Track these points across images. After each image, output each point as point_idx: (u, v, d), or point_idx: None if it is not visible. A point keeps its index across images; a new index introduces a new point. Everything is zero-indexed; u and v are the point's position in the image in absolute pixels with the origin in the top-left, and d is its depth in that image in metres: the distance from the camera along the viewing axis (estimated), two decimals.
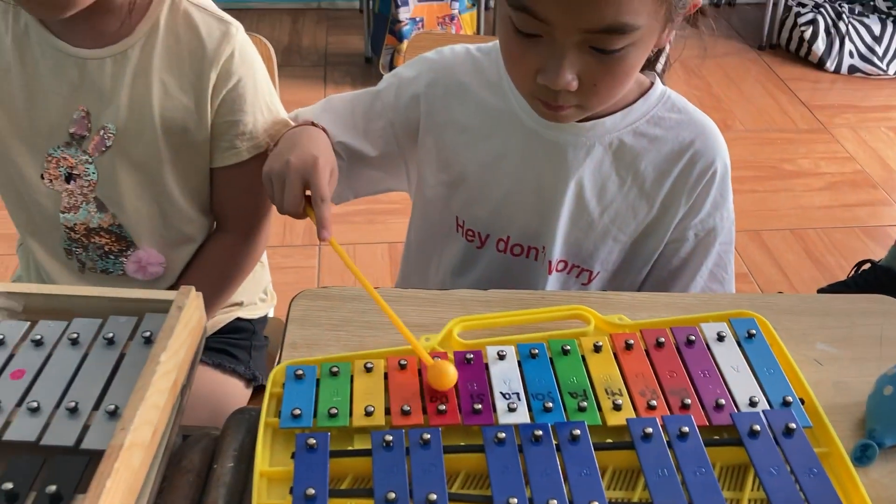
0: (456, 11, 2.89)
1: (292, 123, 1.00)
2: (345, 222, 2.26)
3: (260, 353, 1.15)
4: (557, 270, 0.95)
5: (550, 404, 0.65)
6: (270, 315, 1.22)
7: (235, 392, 1.08)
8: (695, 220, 0.92)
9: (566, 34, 0.72)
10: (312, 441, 0.61)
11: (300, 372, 0.68)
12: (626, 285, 0.96)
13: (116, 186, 0.97)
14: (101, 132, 0.94)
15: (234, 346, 1.10)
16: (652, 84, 0.89)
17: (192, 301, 0.70)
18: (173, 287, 1.04)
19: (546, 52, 0.74)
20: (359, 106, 0.96)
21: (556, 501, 0.57)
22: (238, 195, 1.02)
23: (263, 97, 0.98)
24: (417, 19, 2.85)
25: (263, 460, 0.62)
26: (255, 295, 1.16)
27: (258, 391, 1.12)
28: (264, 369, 1.15)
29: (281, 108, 1.01)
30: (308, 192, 0.79)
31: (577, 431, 0.63)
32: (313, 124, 0.92)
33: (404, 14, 2.82)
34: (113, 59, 0.91)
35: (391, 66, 2.93)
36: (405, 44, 2.85)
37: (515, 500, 0.57)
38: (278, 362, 0.72)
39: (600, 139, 0.88)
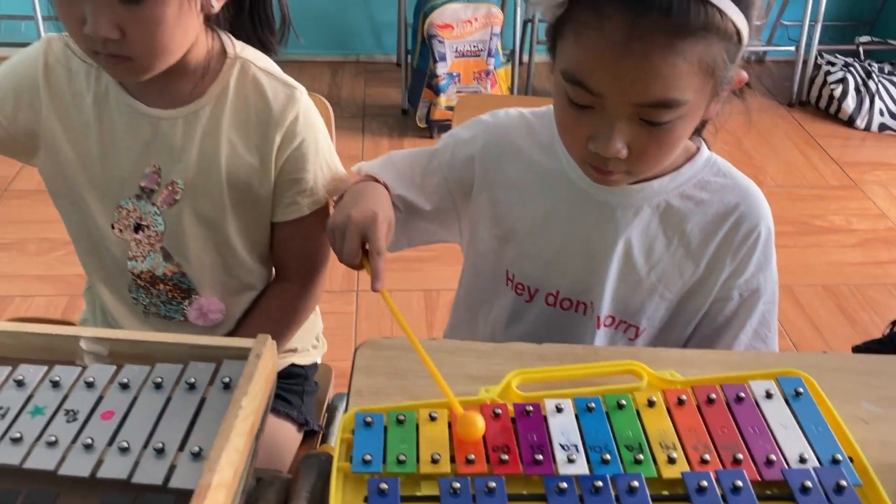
0: (492, 67, 2.98)
1: (349, 179, 1.05)
2: None
3: (311, 399, 1.19)
4: (605, 325, 0.99)
5: (608, 456, 0.68)
6: (319, 361, 1.26)
7: (289, 436, 1.11)
8: (739, 281, 0.95)
9: (617, 107, 0.77)
10: (384, 486, 0.64)
11: (369, 419, 0.71)
12: (672, 341, 0.99)
13: (182, 238, 1.02)
14: (170, 187, 0.99)
15: (288, 391, 1.14)
16: (698, 149, 0.94)
17: (268, 349, 0.75)
18: (232, 333, 1.09)
19: (597, 121, 0.79)
20: (417, 162, 1.01)
21: None
22: (298, 247, 1.07)
23: (324, 156, 1.04)
24: (454, 74, 2.93)
25: (337, 503, 0.65)
26: (308, 342, 1.20)
27: (309, 435, 1.16)
28: (314, 414, 1.19)
29: (339, 165, 1.07)
30: (366, 245, 0.84)
31: (635, 483, 0.66)
32: (374, 179, 0.98)
33: (442, 69, 2.90)
34: (184, 118, 0.97)
35: (428, 118, 3.01)
36: (442, 97, 2.93)
37: None
38: (346, 410, 0.75)
39: (648, 201, 0.92)
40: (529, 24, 3.27)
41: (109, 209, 1.02)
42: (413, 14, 3.01)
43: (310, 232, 1.06)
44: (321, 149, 1.03)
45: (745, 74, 0.81)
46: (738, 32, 0.75)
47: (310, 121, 1.01)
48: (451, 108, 2.97)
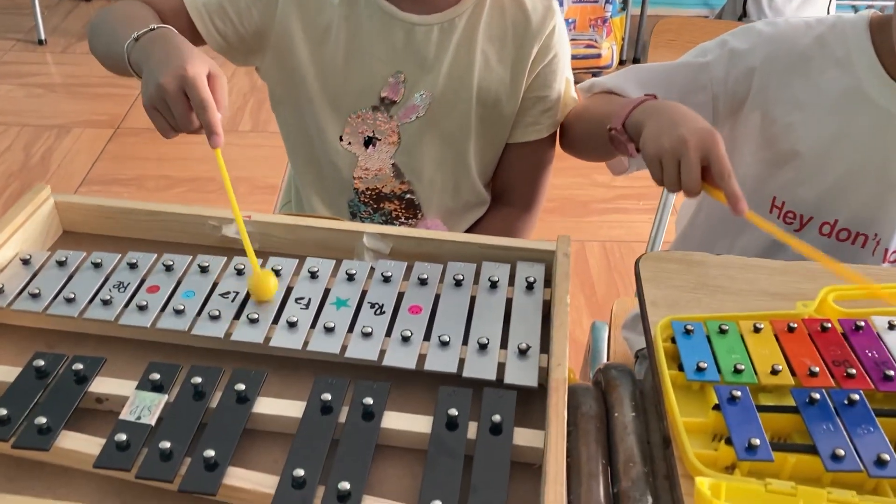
0: (608, 14, 2.88)
1: (578, 98, 0.99)
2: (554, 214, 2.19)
3: None
4: (890, 262, 0.91)
5: None
6: None
7: None
8: None
9: None
10: (737, 393, 0.59)
11: (690, 328, 0.66)
12: None
13: (418, 155, 0.96)
14: (416, 99, 0.93)
15: None
16: None
17: (571, 250, 0.70)
18: None
19: None
20: (677, 77, 0.92)
21: None
22: (526, 171, 1.01)
23: (566, 72, 0.98)
24: (570, 21, 2.84)
25: (677, 410, 0.60)
26: None
27: None
28: None
29: (573, 83, 1.01)
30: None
31: None
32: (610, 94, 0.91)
33: None
34: (440, 26, 0.90)
35: None
36: None
37: None
38: (644, 317, 0.70)
39: None
40: None
41: (340, 119, 0.95)
42: None
43: (540, 155, 1.00)
44: (567, 65, 0.97)
45: None
46: None
47: (563, 34, 0.95)
48: None
